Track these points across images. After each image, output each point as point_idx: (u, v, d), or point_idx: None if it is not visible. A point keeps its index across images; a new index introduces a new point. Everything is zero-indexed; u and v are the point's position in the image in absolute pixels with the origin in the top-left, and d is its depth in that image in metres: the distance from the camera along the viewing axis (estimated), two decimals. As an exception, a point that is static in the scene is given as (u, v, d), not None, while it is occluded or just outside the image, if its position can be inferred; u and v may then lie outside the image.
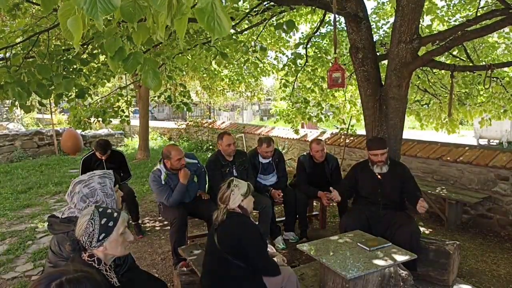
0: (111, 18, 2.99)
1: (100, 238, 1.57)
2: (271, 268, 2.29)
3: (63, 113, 15.03)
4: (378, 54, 3.82)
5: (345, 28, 3.73)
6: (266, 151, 4.14)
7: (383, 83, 3.54)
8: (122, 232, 1.64)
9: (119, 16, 1.30)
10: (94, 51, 3.44)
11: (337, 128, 6.72)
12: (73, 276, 1.08)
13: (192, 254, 2.97)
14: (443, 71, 4.76)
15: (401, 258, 2.47)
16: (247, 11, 4.49)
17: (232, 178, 2.44)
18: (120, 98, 5.73)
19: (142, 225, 4.73)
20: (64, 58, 2.96)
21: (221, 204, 2.35)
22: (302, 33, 6.01)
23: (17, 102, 2.63)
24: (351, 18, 3.36)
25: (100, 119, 5.19)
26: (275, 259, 2.49)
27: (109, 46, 1.75)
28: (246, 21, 4.72)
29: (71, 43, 4.14)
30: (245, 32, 5.30)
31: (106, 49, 1.75)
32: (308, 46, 5.48)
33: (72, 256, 1.69)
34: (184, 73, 6.33)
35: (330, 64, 5.39)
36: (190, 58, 4.78)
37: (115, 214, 1.65)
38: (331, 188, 3.36)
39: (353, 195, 3.57)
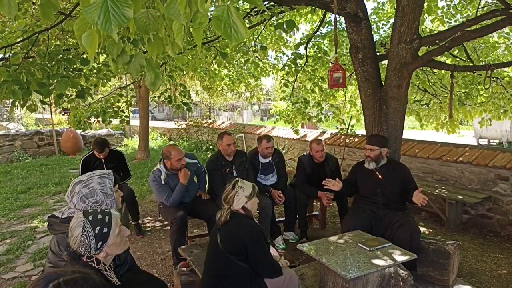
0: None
1: (98, 246, 1.54)
2: (273, 269, 2.28)
3: (63, 113, 15.04)
4: (378, 54, 3.82)
5: (345, 28, 3.73)
6: (267, 146, 4.14)
7: (383, 83, 3.54)
8: (118, 233, 1.62)
9: (134, 28, 1.32)
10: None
11: (337, 128, 6.72)
12: (71, 277, 1.08)
13: (192, 254, 2.97)
14: (443, 71, 4.76)
15: (401, 258, 2.47)
16: (247, 11, 4.50)
17: (237, 179, 2.42)
18: (120, 98, 5.73)
19: (142, 225, 4.73)
20: (65, 57, 2.96)
21: (225, 205, 2.34)
22: (302, 33, 6.02)
23: (18, 102, 2.63)
24: (351, 18, 3.37)
25: (100, 119, 5.19)
26: (279, 262, 2.48)
27: (111, 49, 1.75)
28: (246, 21, 4.71)
29: (71, 43, 4.16)
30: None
31: (109, 52, 1.75)
32: (308, 46, 5.49)
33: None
34: (184, 73, 6.34)
35: (330, 64, 5.39)
36: (190, 58, 4.78)
37: (107, 218, 1.59)
38: (327, 179, 3.38)
39: (354, 193, 3.57)
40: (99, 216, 1.59)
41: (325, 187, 3.43)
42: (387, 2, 5.89)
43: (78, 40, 1.26)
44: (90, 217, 1.57)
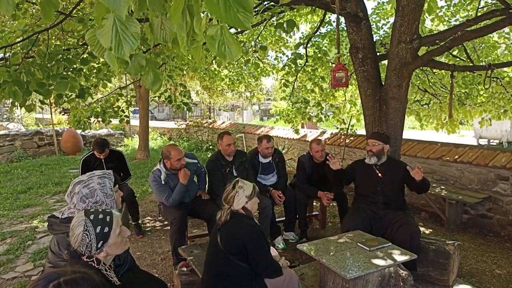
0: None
1: (99, 246, 1.55)
2: (273, 269, 2.28)
3: (63, 113, 15.04)
4: (378, 54, 3.82)
5: (345, 28, 3.73)
6: (267, 146, 4.14)
7: (383, 83, 3.54)
8: (119, 233, 1.62)
9: (151, 37, 1.39)
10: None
11: (337, 128, 6.72)
12: (71, 277, 1.08)
13: (192, 254, 2.97)
14: (443, 71, 4.76)
15: (401, 258, 2.47)
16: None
17: (238, 179, 2.42)
18: (120, 98, 5.73)
19: (142, 225, 4.73)
20: (64, 58, 2.96)
21: (226, 205, 2.34)
22: (302, 33, 6.02)
23: (17, 102, 2.63)
24: (351, 18, 3.37)
25: (100, 119, 5.19)
26: (279, 262, 2.48)
27: None
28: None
29: (71, 43, 4.15)
30: (245, 32, 5.30)
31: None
32: (308, 46, 5.48)
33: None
34: (184, 73, 6.34)
35: (330, 64, 5.39)
36: (190, 58, 4.78)
37: (108, 218, 1.60)
38: (330, 155, 3.42)
39: (350, 182, 3.58)
40: (101, 216, 1.59)
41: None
42: (387, 1, 5.89)
43: (95, 52, 1.32)
44: (92, 217, 1.57)
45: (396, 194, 3.30)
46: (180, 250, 3.18)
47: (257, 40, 5.62)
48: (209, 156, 6.63)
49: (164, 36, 1.34)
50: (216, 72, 7.99)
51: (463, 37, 3.19)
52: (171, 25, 1.34)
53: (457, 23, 4.99)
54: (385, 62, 3.79)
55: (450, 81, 3.55)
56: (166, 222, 4.74)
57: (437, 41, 3.34)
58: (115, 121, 6.15)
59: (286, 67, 5.63)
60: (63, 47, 3.38)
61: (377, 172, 3.32)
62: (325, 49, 5.52)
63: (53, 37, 4.62)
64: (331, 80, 3.53)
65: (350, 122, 6.45)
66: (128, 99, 6.01)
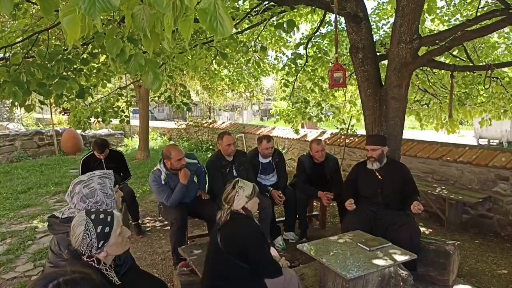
0: (111, 18, 2.99)
1: (100, 245, 1.55)
2: (273, 269, 2.28)
3: (63, 113, 15.02)
4: (378, 54, 3.82)
5: (345, 28, 3.73)
6: (267, 147, 4.14)
7: (383, 83, 3.54)
8: (119, 233, 1.63)
9: (130, 23, 1.30)
10: (94, 51, 3.44)
11: (337, 128, 6.72)
12: (71, 277, 1.08)
13: (192, 254, 2.97)
14: (443, 71, 4.76)
15: (401, 258, 2.47)
16: (247, 11, 4.50)
17: (238, 179, 2.42)
18: (120, 98, 5.73)
19: (142, 225, 4.73)
20: (64, 58, 2.96)
21: (225, 205, 2.34)
22: (302, 33, 6.01)
23: (17, 102, 2.63)
24: (351, 18, 3.36)
25: (100, 119, 5.19)
26: (279, 263, 2.48)
27: (111, 48, 1.74)
28: (246, 21, 4.72)
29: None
30: (245, 32, 5.30)
31: (108, 51, 1.75)
32: (308, 46, 5.48)
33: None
34: (184, 73, 6.34)
35: (330, 64, 5.39)
36: (190, 58, 4.78)
37: (109, 218, 1.61)
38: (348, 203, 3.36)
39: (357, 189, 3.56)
40: (102, 216, 1.60)
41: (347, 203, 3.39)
42: (387, 1, 5.88)
43: (63, 28, 1.20)
44: (93, 216, 1.58)
45: (396, 195, 3.30)
46: (180, 250, 3.18)
47: (257, 40, 5.62)
48: (209, 156, 6.63)
49: (143, 26, 1.29)
50: (216, 72, 7.99)
51: (463, 37, 3.19)
52: (152, 14, 1.26)
53: (457, 23, 4.98)
54: (385, 62, 3.78)
55: (450, 81, 3.55)
56: (166, 222, 4.74)
57: (437, 41, 3.33)
58: (115, 121, 6.15)
59: (286, 67, 5.63)
60: (63, 47, 3.38)
61: (377, 174, 3.32)
62: (325, 49, 5.52)
63: (53, 37, 4.62)
64: (329, 80, 3.53)
65: (350, 122, 6.45)
66: (128, 99, 6.01)
